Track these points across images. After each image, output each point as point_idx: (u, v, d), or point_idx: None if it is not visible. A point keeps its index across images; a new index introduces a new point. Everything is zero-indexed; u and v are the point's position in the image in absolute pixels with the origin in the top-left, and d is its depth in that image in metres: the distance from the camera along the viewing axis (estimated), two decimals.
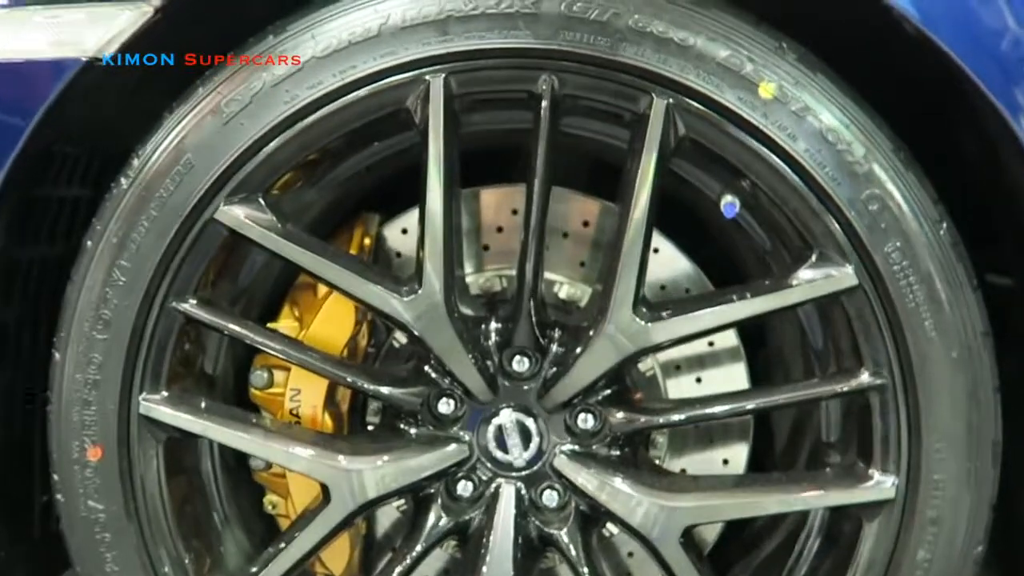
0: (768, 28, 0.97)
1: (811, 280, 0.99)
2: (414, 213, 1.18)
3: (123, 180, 1.02)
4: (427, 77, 0.97)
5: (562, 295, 1.20)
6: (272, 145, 0.99)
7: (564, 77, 0.97)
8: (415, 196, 1.03)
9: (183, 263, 1.02)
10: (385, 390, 1.08)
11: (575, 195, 1.19)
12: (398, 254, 1.24)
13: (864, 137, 0.96)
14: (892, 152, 0.97)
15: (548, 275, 1.18)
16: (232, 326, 1.06)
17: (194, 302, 1.04)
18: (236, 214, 1.01)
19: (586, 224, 1.20)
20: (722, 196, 1.04)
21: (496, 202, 1.20)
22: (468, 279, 1.20)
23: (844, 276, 0.98)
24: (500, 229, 1.21)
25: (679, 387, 1.20)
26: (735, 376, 1.22)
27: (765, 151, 0.96)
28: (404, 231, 1.22)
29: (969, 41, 0.92)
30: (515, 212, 1.20)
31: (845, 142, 0.95)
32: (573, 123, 1.06)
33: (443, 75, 0.97)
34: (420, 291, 1.01)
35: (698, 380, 1.21)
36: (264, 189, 1.02)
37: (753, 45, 0.95)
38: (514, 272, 1.11)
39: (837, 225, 0.97)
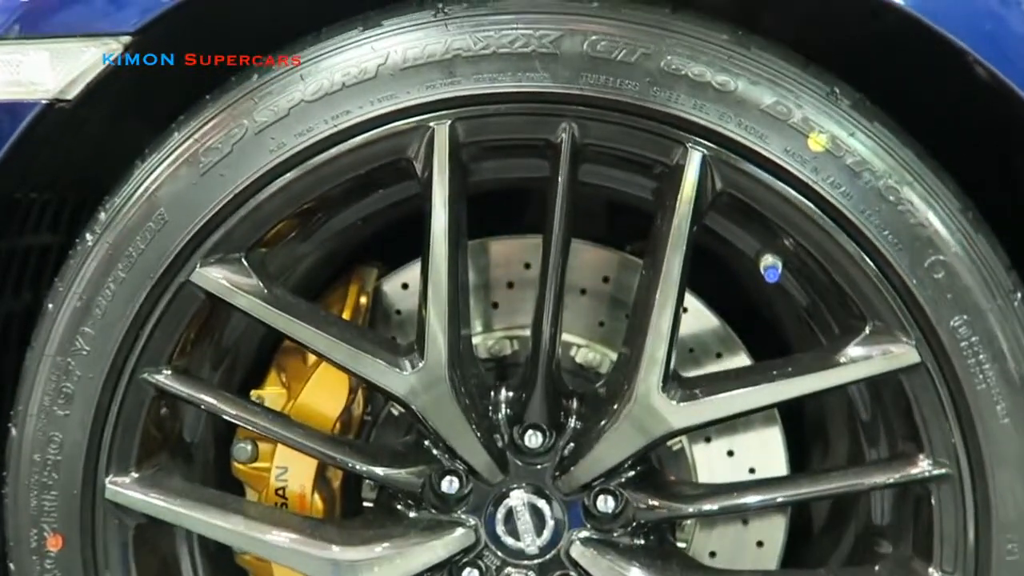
0: (818, 71, 0.85)
1: (866, 356, 0.87)
2: (415, 266, 1.08)
3: (88, 236, 0.90)
4: (431, 124, 0.85)
5: (579, 359, 1.08)
6: (256, 199, 0.88)
7: (586, 125, 0.86)
8: (417, 246, 0.92)
9: (155, 330, 0.91)
10: (381, 471, 0.95)
11: (594, 248, 1.08)
12: (398, 311, 1.13)
13: (927, 195, 0.84)
14: (959, 212, 0.85)
15: (564, 336, 1.06)
16: (209, 399, 0.94)
17: (168, 372, 0.93)
18: (215, 276, 0.89)
19: (606, 280, 1.09)
20: (761, 256, 0.92)
21: (507, 255, 1.09)
22: (475, 340, 1.09)
23: (904, 353, 0.86)
24: (511, 285, 1.10)
25: (709, 460, 1.08)
26: (770, 446, 1.10)
27: (815, 210, 0.84)
28: (405, 286, 1.11)
29: None
30: (528, 266, 1.08)
31: (906, 201, 0.84)
32: (595, 171, 0.95)
33: (449, 121, 0.86)
34: (422, 364, 0.90)
35: (730, 453, 1.10)
36: (247, 247, 0.91)
37: (801, 90, 0.83)
38: (526, 333, 1.01)
39: (896, 295, 0.85)
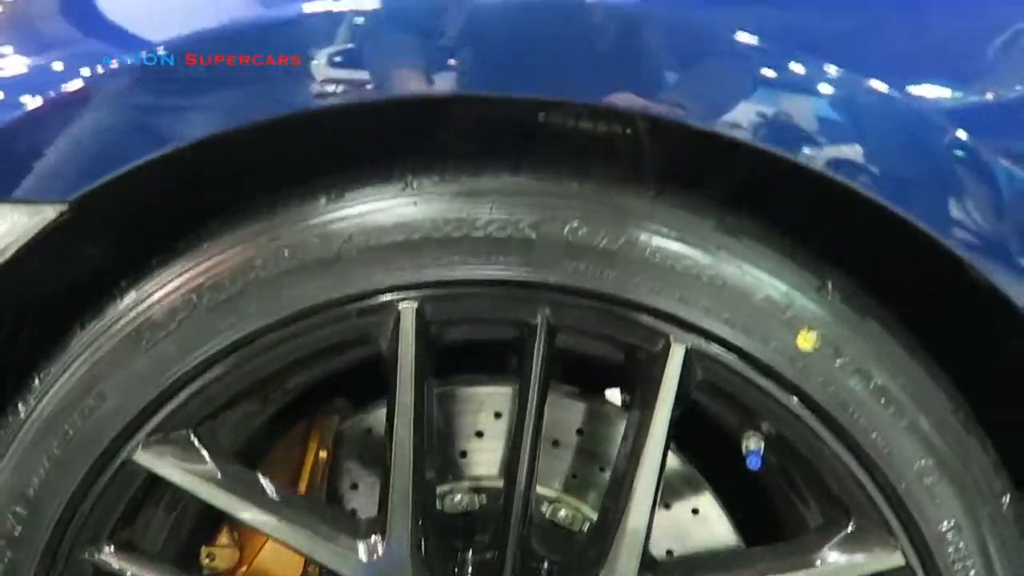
0: (809, 261, 0.81)
1: (848, 556, 0.83)
2: (380, 410, 1.02)
3: (21, 407, 0.84)
4: (397, 305, 0.80)
5: (550, 515, 1.03)
6: (206, 377, 0.81)
7: (563, 311, 0.81)
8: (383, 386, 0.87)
9: (94, 509, 0.84)
10: None
11: (567, 399, 1.02)
12: (360, 457, 1.07)
13: (919, 396, 0.80)
14: (951, 413, 0.81)
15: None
16: None
17: (110, 549, 0.86)
18: (159, 455, 0.82)
19: (580, 432, 1.04)
20: (744, 438, 0.87)
21: (477, 402, 1.02)
22: (441, 491, 1.03)
23: (889, 555, 0.82)
24: (480, 434, 1.04)
25: None
26: None
27: (801, 409, 0.80)
28: (369, 431, 1.05)
29: None
30: (498, 415, 1.03)
31: (896, 402, 0.79)
32: (573, 341, 0.88)
33: (416, 303, 0.80)
34: (383, 551, 0.84)
35: None
36: (195, 423, 0.84)
37: (791, 284, 0.78)
38: (496, 485, 0.96)
39: (883, 497, 0.81)
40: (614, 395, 1.15)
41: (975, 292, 0.78)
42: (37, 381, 0.83)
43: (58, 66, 0.76)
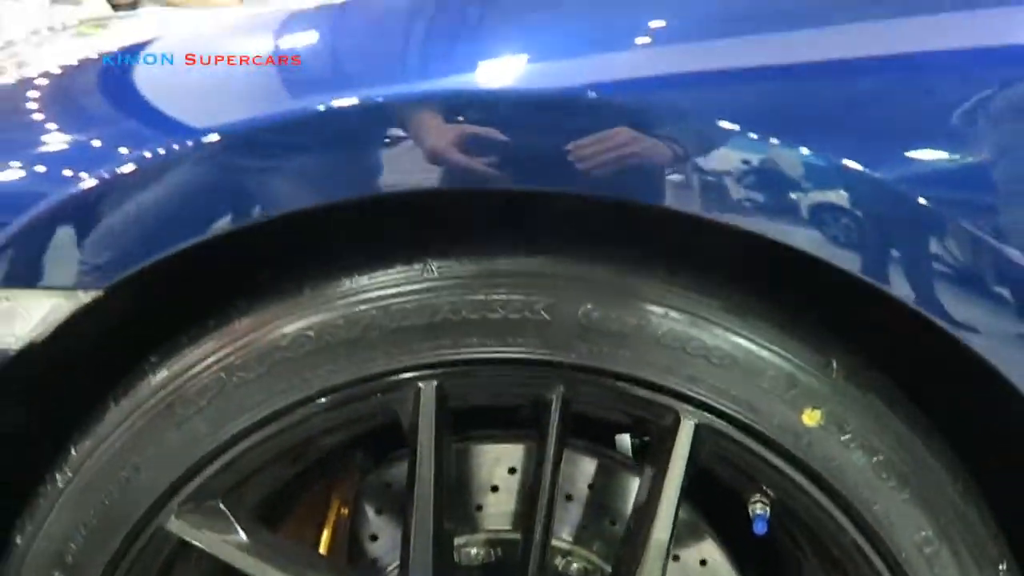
0: (814, 340, 0.84)
1: None
2: (400, 465, 1.06)
3: (58, 477, 0.88)
4: (417, 383, 0.83)
5: (562, 567, 1.07)
6: (234, 451, 0.85)
7: (578, 387, 0.84)
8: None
9: (129, 572, 0.87)
10: None
11: (579, 454, 1.05)
12: (379, 511, 1.10)
13: (920, 468, 0.83)
14: (949, 485, 0.85)
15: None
16: None
17: None
18: (191, 524, 0.86)
19: (592, 487, 1.07)
20: (750, 502, 0.91)
21: (493, 458, 1.06)
22: (457, 542, 1.07)
23: None
24: (495, 488, 1.08)
25: None
26: None
27: (806, 483, 0.83)
28: (389, 485, 1.09)
29: None
30: (512, 471, 1.07)
31: (898, 475, 0.82)
32: (586, 408, 0.93)
33: (435, 381, 0.83)
34: None
35: None
36: (225, 492, 0.88)
37: (797, 363, 0.81)
38: (511, 536, 1.00)
39: (884, 565, 0.84)
40: (623, 440, 1.19)
41: (971, 366, 0.81)
42: (73, 452, 0.87)
43: (98, 152, 0.80)
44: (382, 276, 0.83)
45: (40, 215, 0.79)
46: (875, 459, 0.83)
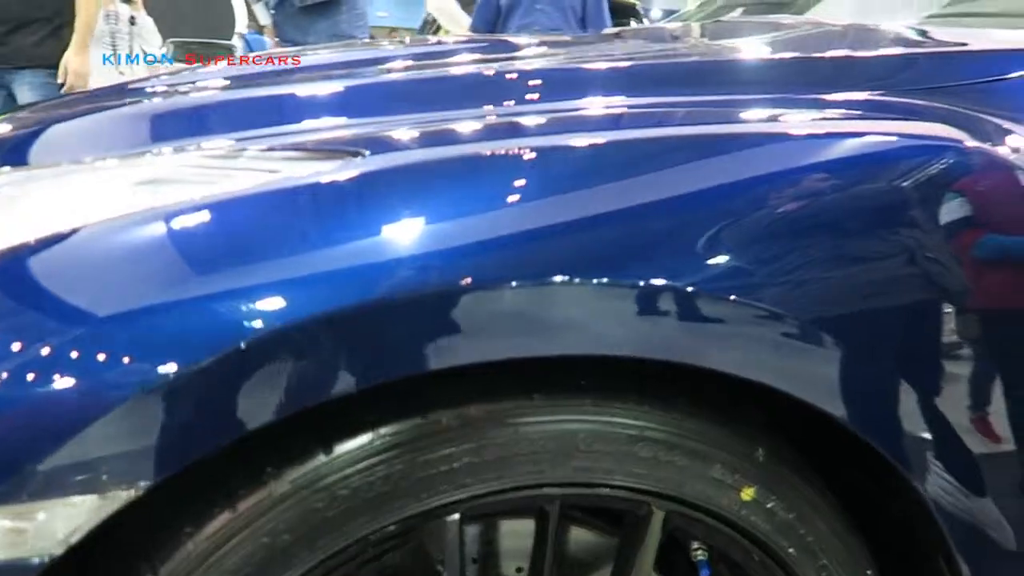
0: (744, 433, 1.07)
1: None
2: None
3: None
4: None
5: None
6: None
7: (568, 499, 1.02)
8: None
9: None
10: None
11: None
12: None
13: (829, 542, 1.09)
14: (856, 563, 1.11)
15: None
16: None
17: None
18: None
19: None
20: (692, 550, 1.13)
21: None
22: None
23: None
24: None
25: None
26: None
27: (745, 541, 1.08)
28: None
29: None
30: (520, 571, 1.18)
31: (806, 527, 1.09)
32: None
33: (458, 515, 0.97)
34: None
35: None
36: None
37: (735, 456, 1.05)
38: None
39: None
40: None
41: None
42: None
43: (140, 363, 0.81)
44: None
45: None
46: (790, 516, 1.09)
